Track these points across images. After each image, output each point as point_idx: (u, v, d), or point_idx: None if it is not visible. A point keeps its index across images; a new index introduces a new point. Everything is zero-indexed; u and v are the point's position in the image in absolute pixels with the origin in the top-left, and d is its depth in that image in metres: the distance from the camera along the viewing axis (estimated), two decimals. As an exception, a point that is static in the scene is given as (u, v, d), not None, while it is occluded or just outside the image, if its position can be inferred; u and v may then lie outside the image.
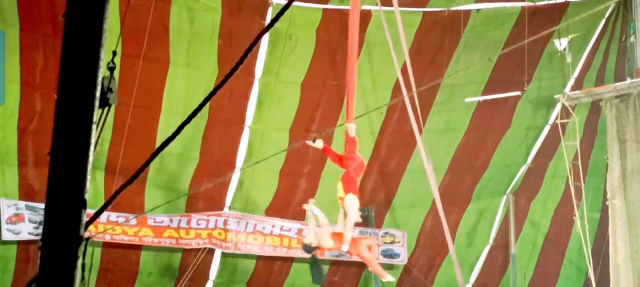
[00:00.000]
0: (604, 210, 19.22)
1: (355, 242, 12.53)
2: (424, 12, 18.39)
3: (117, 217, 18.58)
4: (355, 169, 12.36)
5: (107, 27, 4.20)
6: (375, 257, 13.84)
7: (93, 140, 4.19)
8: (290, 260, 20.49)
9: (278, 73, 18.49)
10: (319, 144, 12.56)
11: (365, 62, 18.79)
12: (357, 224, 20.43)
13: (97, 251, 18.96)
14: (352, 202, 12.13)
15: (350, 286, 21.34)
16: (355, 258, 20.33)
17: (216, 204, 19.66)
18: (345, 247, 12.33)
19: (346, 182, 12.26)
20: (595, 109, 19.68)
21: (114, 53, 6.73)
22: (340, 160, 12.51)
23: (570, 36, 18.32)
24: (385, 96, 18.89)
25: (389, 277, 12.99)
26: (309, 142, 12.59)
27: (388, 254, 20.66)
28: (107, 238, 18.81)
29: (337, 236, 12.45)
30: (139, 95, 17.12)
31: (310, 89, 18.87)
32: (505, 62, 18.47)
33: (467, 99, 19.32)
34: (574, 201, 18.26)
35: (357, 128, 19.12)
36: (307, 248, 12.57)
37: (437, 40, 18.68)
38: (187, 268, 19.45)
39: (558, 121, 18.83)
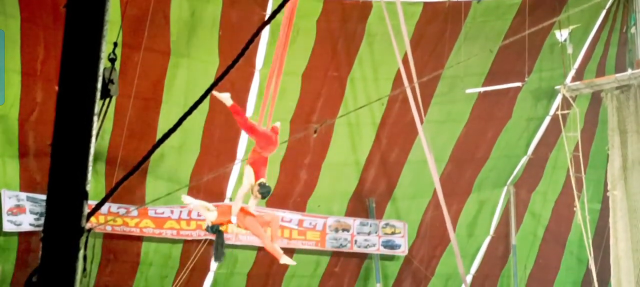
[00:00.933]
0: (605, 201, 19.26)
1: (243, 215, 12.39)
2: (424, 3, 18.38)
3: (118, 208, 18.60)
4: (258, 142, 12.33)
5: (108, 18, 4.20)
6: (278, 236, 13.24)
7: (94, 132, 4.19)
8: (291, 251, 20.47)
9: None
10: (227, 100, 12.51)
11: (367, 53, 18.81)
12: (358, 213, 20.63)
13: (99, 242, 18.98)
14: (246, 174, 12.10)
15: (351, 276, 21.37)
16: (356, 249, 20.50)
17: (217, 196, 19.65)
18: (233, 219, 12.29)
19: (251, 153, 12.31)
20: (596, 100, 19.68)
21: (115, 44, 6.73)
22: (250, 129, 12.49)
23: (571, 27, 18.31)
24: (387, 87, 18.90)
25: (285, 260, 12.64)
26: (217, 93, 12.54)
27: (389, 245, 20.69)
28: (108, 229, 18.84)
29: (228, 209, 12.44)
30: (140, 87, 17.13)
31: (311, 79, 18.86)
32: (506, 53, 18.48)
33: (468, 90, 19.33)
34: (575, 192, 18.27)
35: (359, 119, 19.37)
36: (212, 229, 12.50)
37: (438, 31, 18.67)
38: (188, 259, 19.46)
39: (559, 112, 18.82)
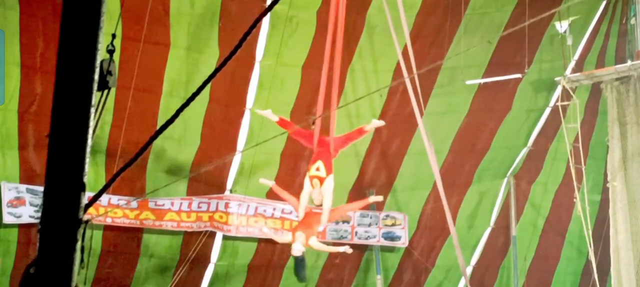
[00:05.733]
0: (605, 192, 19.27)
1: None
2: (424, -6, 18.40)
3: (118, 200, 18.60)
4: (336, 149, 12.36)
5: (105, 10, 4.20)
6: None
7: (92, 124, 4.19)
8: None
9: (279, 56, 18.47)
10: (272, 116, 12.51)
11: (366, 45, 18.79)
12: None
13: (99, 234, 18.98)
14: (332, 184, 12.09)
15: (352, 268, 21.38)
16: (356, 240, 20.50)
17: (217, 187, 19.67)
18: (321, 228, 12.28)
19: (328, 164, 12.21)
20: (595, 91, 19.69)
21: (113, 36, 6.72)
22: (307, 137, 12.46)
23: (571, 18, 18.29)
24: (386, 78, 18.89)
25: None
26: (259, 111, 12.53)
27: (389, 236, 20.70)
28: (108, 221, 18.84)
29: (312, 220, 12.34)
30: (140, 78, 17.12)
31: (311, 71, 18.82)
32: (506, 45, 18.46)
33: (468, 82, 19.30)
34: (575, 183, 18.27)
35: (359, 110, 19.36)
36: (299, 259, 12.44)
37: (438, 22, 18.65)
38: (189, 251, 19.49)
39: (559, 103, 18.81)
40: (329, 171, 12.13)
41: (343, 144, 12.52)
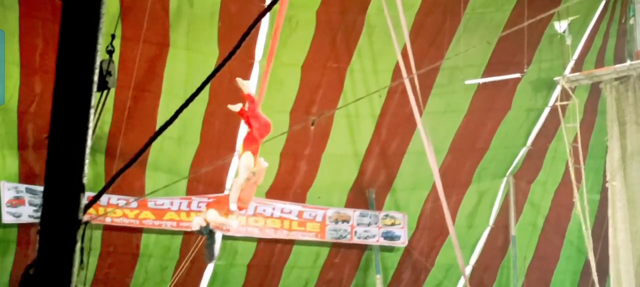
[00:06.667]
0: (604, 192, 19.29)
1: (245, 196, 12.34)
2: (424, -7, 18.39)
3: (118, 200, 18.59)
4: (258, 129, 12.24)
5: (104, 11, 4.20)
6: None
7: (91, 124, 4.19)
8: (291, 242, 20.53)
9: (278, 55, 18.39)
10: (236, 108, 12.51)
11: (366, 45, 18.79)
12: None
13: (98, 234, 18.98)
14: (246, 160, 11.98)
15: (351, 267, 21.38)
16: (355, 240, 20.51)
17: (216, 187, 19.66)
18: (232, 206, 12.19)
19: (246, 140, 12.17)
20: (595, 91, 19.70)
21: (113, 36, 6.72)
22: (248, 119, 12.45)
23: (570, 18, 18.30)
24: (386, 78, 18.89)
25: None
26: (231, 107, 12.54)
27: (389, 236, 20.70)
28: (108, 221, 18.83)
29: (223, 200, 12.32)
30: (139, 79, 17.11)
31: (311, 71, 18.85)
32: (505, 44, 18.47)
33: (468, 81, 19.32)
34: (574, 182, 18.29)
35: (358, 110, 19.35)
36: (204, 231, 12.37)
37: (437, 22, 18.66)
38: (188, 251, 19.44)
39: (558, 103, 18.84)
40: (244, 147, 12.10)
41: (255, 119, 12.42)
